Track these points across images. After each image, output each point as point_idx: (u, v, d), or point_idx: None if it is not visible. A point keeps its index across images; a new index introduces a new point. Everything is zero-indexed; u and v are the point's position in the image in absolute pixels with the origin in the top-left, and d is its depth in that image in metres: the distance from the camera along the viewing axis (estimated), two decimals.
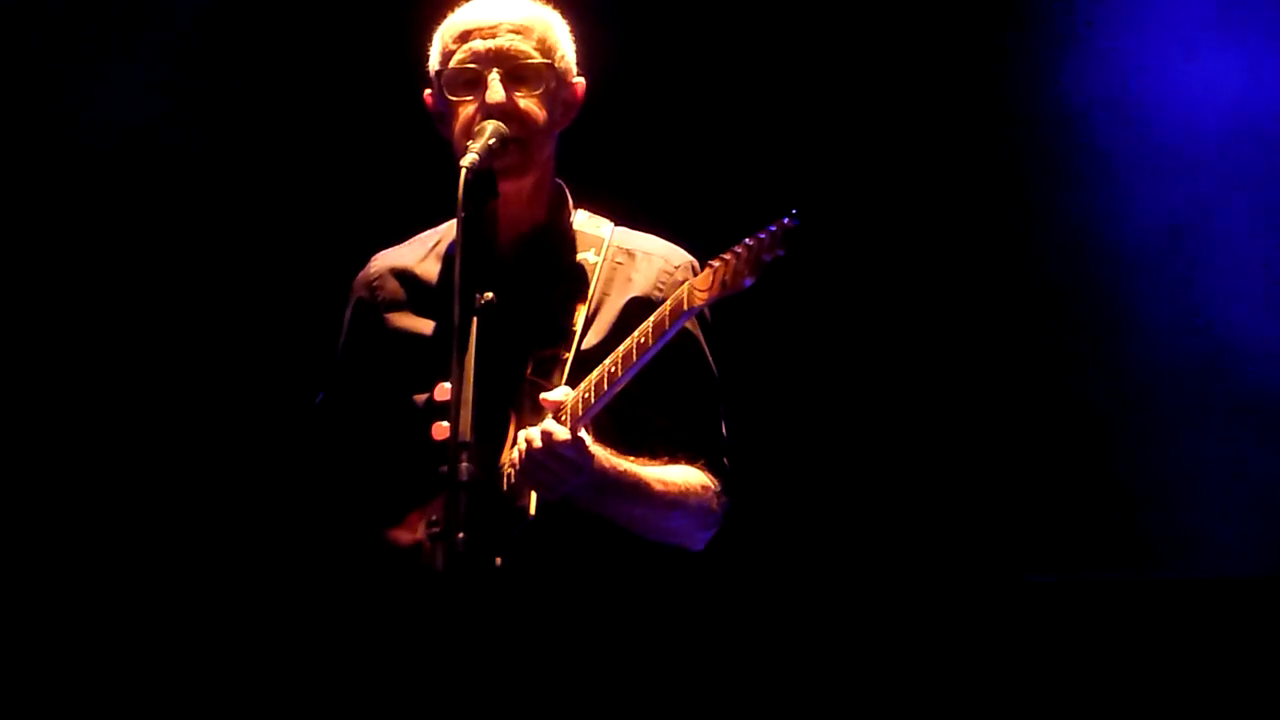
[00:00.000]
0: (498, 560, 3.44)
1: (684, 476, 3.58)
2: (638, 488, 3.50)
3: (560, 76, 3.64)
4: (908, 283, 5.73)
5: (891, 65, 5.67)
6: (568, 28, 3.71)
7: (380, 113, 5.38)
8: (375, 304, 3.75)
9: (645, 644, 3.59)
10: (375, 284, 3.76)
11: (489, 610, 3.41)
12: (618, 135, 5.34)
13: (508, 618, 3.47)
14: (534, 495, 3.45)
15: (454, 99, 3.60)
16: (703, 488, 3.59)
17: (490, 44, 3.60)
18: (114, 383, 5.60)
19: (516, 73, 3.59)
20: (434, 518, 3.48)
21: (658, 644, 3.60)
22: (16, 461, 5.57)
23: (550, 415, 3.41)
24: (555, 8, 3.72)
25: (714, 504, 3.60)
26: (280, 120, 5.61)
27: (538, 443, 3.37)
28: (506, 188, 3.52)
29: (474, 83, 3.59)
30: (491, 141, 3.44)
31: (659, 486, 3.53)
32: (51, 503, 5.57)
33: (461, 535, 3.07)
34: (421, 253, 3.78)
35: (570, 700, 3.51)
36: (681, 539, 3.62)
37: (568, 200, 3.74)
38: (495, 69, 3.59)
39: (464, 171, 3.33)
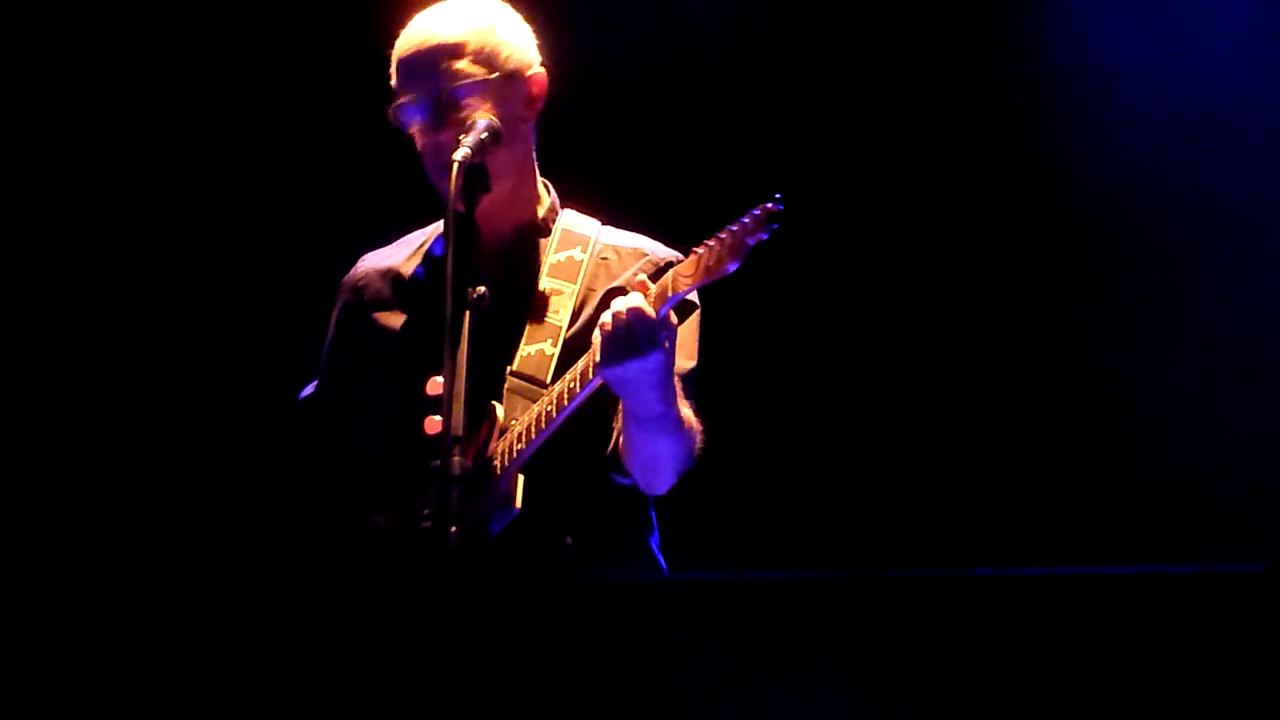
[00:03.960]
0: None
1: (686, 408, 3.60)
2: (673, 401, 3.50)
3: (509, 78, 3.64)
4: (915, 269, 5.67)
5: (882, 45, 5.63)
6: (519, 20, 3.70)
7: (364, 112, 5.38)
8: (362, 304, 3.78)
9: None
10: (361, 284, 3.80)
11: (478, 603, 3.42)
12: (610, 132, 5.35)
13: (495, 609, 3.49)
14: (520, 487, 3.47)
15: (407, 132, 3.64)
16: (696, 422, 3.61)
17: (424, 77, 3.61)
18: (101, 379, 5.59)
19: (455, 95, 3.59)
20: (424, 511, 3.49)
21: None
22: (11, 458, 5.57)
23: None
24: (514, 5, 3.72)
25: (698, 443, 3.61)
26: (265, 121, 5.61)
27: (625, 311, 3.35)
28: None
29: (415, 115, 3.62)
30: (484, 135, 3.44)
31: (684, 407, 3.56)
32: (41, 496, 5.56)
33: (454, 529, 3.08)
34: (407, 253, 3.82)
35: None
36: (669, 471, 3.62)
37: (554, 199, 3.77)
38: (431, 101, 3.59)
39: (455, 166, 3.33)
